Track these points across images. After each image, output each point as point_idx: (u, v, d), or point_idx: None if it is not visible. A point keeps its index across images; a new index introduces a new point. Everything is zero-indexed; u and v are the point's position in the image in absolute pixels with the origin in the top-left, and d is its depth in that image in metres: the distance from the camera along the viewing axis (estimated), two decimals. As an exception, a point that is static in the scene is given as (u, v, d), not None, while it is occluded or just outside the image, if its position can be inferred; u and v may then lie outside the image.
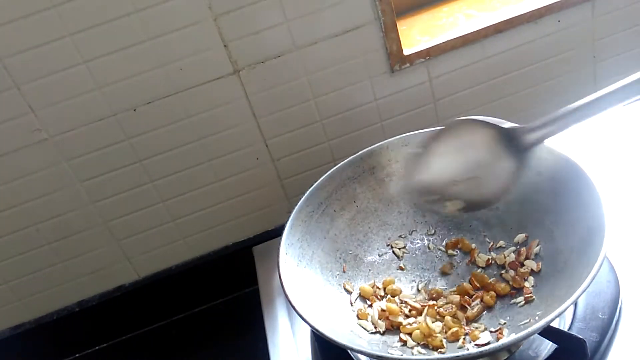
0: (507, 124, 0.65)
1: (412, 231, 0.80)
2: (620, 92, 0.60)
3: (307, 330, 0.77)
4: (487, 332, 0.66)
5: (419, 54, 0.92)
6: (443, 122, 0.73)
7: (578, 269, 0.60)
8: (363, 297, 0.74)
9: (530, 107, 1.01)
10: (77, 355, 1.04)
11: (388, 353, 0.64)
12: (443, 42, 0.92)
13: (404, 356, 0.64)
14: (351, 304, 0.73)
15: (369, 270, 0.77)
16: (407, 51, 0.91)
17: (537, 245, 0.71)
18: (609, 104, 0.59)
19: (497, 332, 0.65)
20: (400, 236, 0.80)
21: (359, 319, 0.70)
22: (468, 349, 0.64)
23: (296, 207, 0.75)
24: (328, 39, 0.87)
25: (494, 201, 0.69)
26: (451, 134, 0.69)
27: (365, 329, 0.69)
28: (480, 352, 0.57)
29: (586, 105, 0.60)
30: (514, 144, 0.64)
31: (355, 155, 0.80)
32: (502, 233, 0.75)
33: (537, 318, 0.63)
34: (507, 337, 0.63)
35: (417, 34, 0.96)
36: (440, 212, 0.73)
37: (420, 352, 0.65)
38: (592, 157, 0.72)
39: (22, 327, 0.99)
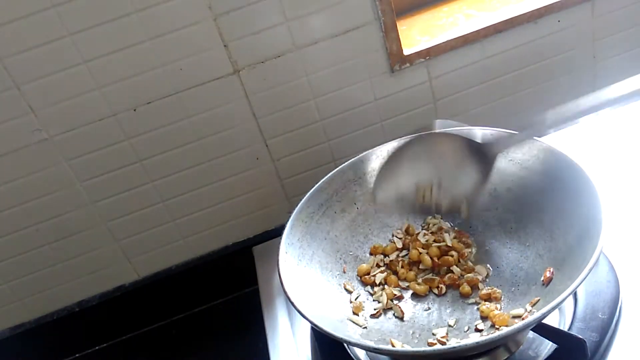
0: (477, 137, 0.72)
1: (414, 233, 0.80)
2: (589, 108, 0.66)
3: (307, 330, 0.77)
4: (477, 333, 0.66)
5: (419, 54, 0.92)
6: (411, 134, 0.79)
7: (576, 265, 0.60)
8: (360, 277, 0.76)
9: (530, 107, 1.01)
10: (77, 355, 1.04)
11: (385, 345, 0.64)
12: (443, 42, 0.92)
13: (402, 348, 0.65)
14: (351, 302, 0.73)
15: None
16: (407, 51, 0.91)
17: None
18: (577, 116, 0.69)
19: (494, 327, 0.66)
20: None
21: (353, 313, 0.71)
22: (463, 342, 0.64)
23: (297, 208, 0.75)
24: (328, 39, 0.87)
25: (459, 202, 0.76)
26: (417, 145, 0.76)
27: (357, 324, 0.69)
28: (476, 343, 0.57)
29: (551, 121, 0.67)
30: (482, 154, 0.71)
31: (355, 157, 0.80)
32: (501, 233, 0.75)
33: (534, 312, 0.63)
34: (502, 330, 0.63)
35: (417, 34, 0.96)
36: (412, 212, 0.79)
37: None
38: (591, 156, 0.72)
39: (22, 327, 0.99)
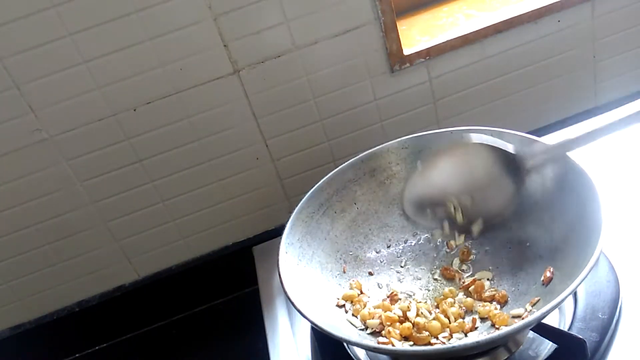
0: (510, 147, 0.68)
1: (414, 233, 0.80)
2: (621, 122, 0.63)
3: (307, 330, 0.77)
4: (476, 332, 0.66)
5: (419, 54, 0.92)
6: (449, 142, 0.77)
7: (576, 264, 0.60)
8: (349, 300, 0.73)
9: (530, 107, 1.01)
10: (77, 355, 1.04)
11: (385, 345, 0.64)
12: (443, 42, 0.92)
13: (400, 348, 0.64)
14: (351, 304, 0.73)
15: (369, 271, 0.77)
16: (407, 51, 0.91)
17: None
18: (608, 132, 0.64)
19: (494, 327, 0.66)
20: (400, 237, 0.80)
21: (353, 315, 0.71)
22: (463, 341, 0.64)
23: (297, 208, 0.75)
24: (328, 39, 0.87)
25: (493, 217, 0.72)
26: (454, 153, 0.73)
27: (354, 325, 0.69)
28: (477, 342, 0.57)
29: (587, 134, 0.64)
30: (515, 167, 0.68)
31: (355, 157, 0.80)
32: (501, 232, 0.75)
33: (534, 312, 0.63)
34: (502, 329, 0.63)
35: (417, 34, 0.96)
36: (439, 227, 0.75)
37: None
38: (592, 156, 0.72)
39: (22, 327, 0.99)
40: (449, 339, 0.66)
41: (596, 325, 0.64)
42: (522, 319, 0.64)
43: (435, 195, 0.73)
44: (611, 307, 0.66)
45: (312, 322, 0.61)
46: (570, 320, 0.66)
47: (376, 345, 0.63)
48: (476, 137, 0.72)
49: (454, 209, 0.73)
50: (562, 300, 0.54)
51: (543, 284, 0.66)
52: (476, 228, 0.73)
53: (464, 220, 0.73)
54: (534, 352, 0.65)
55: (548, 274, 0.66)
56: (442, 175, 0.73)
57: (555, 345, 0.63)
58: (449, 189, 0.72)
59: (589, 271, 0.56)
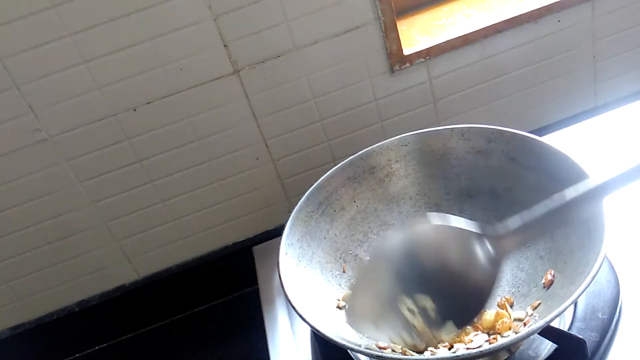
0: (478, 229, 0.62)
1: (413, 231, 0.80)
2: (590, 194, 0.57)
3: (307, 330, 0.77)
4: (481, 335, 0.66)
5: (419, 54, 0.92)
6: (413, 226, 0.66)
7: (578, 269, 0.60)
8: None
9: (530, 107, 1.01)
10: (77, 355, 1.04)
11: (387, 353, 0.64)
12: (443, 42, 0.92)
13: (404, 356, 0.64)
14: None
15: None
16: (407, 51, 0.91)
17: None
18: (588, 206, 0.58)
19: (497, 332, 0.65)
20: (400, 236, 0.80)
21: None
22: (467, 349, 0.64)
23: (296, 207, 0.75)
24: (328, 39, 0.87)
25: (472, 312, 0.64)
26: (421, 241, 0.65)
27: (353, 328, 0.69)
28: (480, 351, 0.57)
29: (560, 207, 0.58)
30: (487, 249, 0.62)
31: (355, 155, 0.80)
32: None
33: (537, 318, 0.63)
34: (507, 337, 0.63)
35: (417, 34, 0.96)
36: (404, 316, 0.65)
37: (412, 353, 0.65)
38: (592, 156, 0.72)
39: (22, 327, 0.99)
40: (450, 346, 0.66)
41: (596, 325, 0.64)
42: (524, 323, 0.64)
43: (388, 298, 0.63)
44: (611, 307, 0.65)
45: (314, 329, 0.61)
46: (570, 320, 0.66)
47: (380, 353, 0.62)
48: (435, 219, 0.63)
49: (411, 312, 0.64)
50: (566, 308, 0.54)
51: (544, 287, 0.66)
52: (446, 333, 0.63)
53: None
54: (534, 352, 0.65)
55: (549, 277, 0.66)
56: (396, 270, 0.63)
57: (555, 345, 0.63)
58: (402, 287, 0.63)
59: (592, 279, 0.55)
